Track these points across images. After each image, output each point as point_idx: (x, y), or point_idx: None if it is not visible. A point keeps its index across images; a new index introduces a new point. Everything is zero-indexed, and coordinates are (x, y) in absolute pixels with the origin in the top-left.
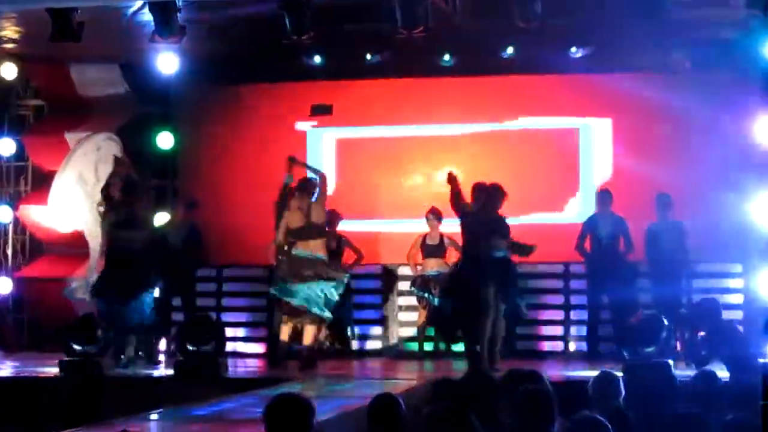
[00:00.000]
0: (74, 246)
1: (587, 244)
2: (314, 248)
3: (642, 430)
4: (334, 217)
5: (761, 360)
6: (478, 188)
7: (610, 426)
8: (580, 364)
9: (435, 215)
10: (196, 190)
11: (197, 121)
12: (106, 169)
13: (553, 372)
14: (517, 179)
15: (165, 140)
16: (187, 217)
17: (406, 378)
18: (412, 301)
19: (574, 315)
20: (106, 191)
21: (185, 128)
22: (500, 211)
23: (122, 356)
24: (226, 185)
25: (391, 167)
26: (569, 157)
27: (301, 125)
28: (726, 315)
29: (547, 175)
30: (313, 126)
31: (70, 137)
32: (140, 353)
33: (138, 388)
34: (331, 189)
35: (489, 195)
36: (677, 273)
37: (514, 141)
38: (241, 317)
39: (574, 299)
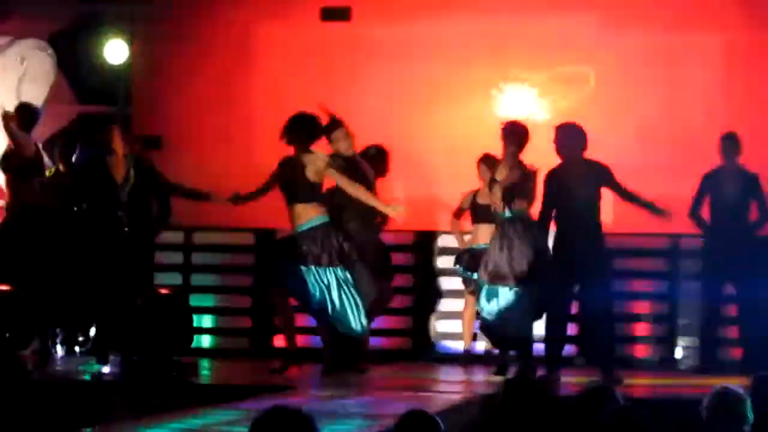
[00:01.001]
0: None
1: (705, 211)
2: None
3: None
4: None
5: None
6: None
7: None
8: (691, 377)
9: (489, 164)
10: (157, 122)
11: (163, 24)
12: (34, 92)
13: (653, 388)
14: (607, 115)
15: (116, 51)
16: (144, 160)
17: (446, 390)
18: (457, 284)
19: (684, 310)
20: None
21: (145, 35)
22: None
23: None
24: (200, 116)
25: (426, 91)
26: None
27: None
28: None
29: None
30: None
31: None
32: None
33: (75, 397)
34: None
35: (568, 136)
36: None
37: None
38: (219, 301)
39: (686, 287)
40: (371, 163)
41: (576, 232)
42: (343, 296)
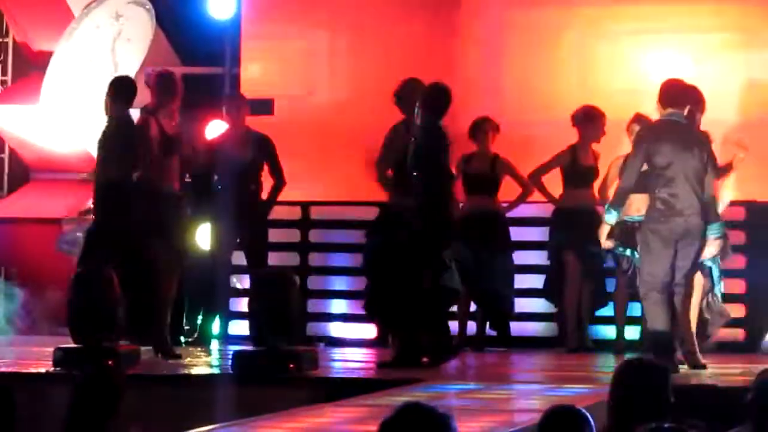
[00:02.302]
0: (76, 170)
1: None
2: None
3: None
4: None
5: None
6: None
7: None
8: None
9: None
10: (267, 85)
11: None
12: (130, 52)
13: None
14: None
15: (221, 5)
16: (253, 128)
17: (596, 384)
18: (608, 262)
19: None
20: None
21: None
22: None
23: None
24: (318, 77)
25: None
26: None
27: None
28: None
29: None
30: None
31: (74, 0)
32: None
33: (173, 393)
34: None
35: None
36: None
37: None
38: (340, 283)
39: None
40: None
41: None
42: None
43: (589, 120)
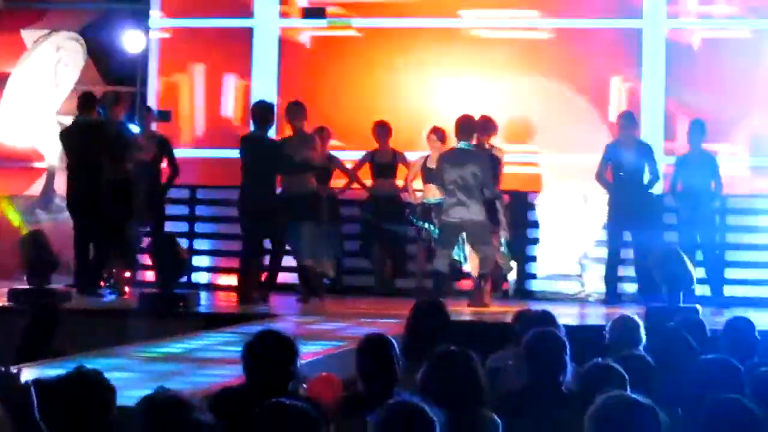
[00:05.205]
0: (28, 160)
1: (608, 175)
2: None
3: (666, 379)
4: (324, 134)
5: None
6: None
7: (626, 375)
8: (597, 308)
9: (438, 135)
10: (168, 99)
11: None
12: (67, 74)
13: (566, 317)
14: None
15: (134, 41)
16: (157, 131)
17: (400, 319)
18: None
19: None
20: None
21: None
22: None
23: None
24: (202, 94)
25: (381, 71)
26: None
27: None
28: None
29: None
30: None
31: (27, 35)
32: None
33: (97, 322)
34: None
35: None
36: (709, 209)
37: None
38: (217, 245)
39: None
40: None
41: None
42: None
43: (376, 130)
